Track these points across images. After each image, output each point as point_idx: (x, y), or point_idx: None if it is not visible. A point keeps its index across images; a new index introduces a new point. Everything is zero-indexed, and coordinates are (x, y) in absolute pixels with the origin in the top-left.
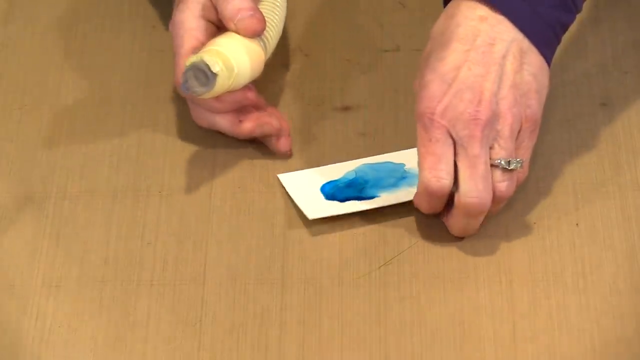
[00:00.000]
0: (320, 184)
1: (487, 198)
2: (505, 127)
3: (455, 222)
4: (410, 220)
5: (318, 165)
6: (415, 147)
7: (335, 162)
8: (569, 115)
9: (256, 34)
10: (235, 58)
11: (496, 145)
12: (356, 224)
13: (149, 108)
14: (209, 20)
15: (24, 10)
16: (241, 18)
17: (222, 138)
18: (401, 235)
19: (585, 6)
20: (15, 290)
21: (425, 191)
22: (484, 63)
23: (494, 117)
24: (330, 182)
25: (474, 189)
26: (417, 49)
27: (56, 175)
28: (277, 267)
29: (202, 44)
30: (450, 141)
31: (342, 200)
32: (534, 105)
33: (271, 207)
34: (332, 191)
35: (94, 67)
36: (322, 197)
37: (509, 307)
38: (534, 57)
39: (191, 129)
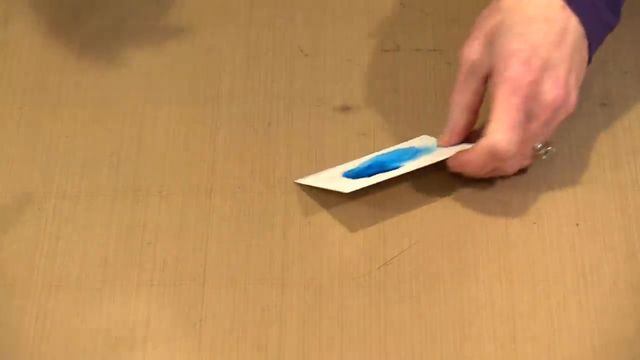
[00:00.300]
0: (341, 174)
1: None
2: (562, 115)
3: (477, 159)
4: (410, 220)
5: (318, 166)
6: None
7: (335, 162)
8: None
9: None
10: None
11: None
12: (356, 224)
13: (149, 108)
14: None
15: (24, 10)
16: None
17: (222, 138)
18: (401, 235)
19: None
20: (15, 290)
21: (488, 151)
22: (562, 50)
23: (563, 105)
24: (351, 170)
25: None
26: (417, 49)
27: (56, 175)
28: (277, 267)
29: None
30: (525, 112)
31: (369, 176)
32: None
33: (271, 207)
34: (356, 174)
35: (94, 67)
36: (348, 179)
37: (509, 307)
38: (586, 55)
39: (191, 129)
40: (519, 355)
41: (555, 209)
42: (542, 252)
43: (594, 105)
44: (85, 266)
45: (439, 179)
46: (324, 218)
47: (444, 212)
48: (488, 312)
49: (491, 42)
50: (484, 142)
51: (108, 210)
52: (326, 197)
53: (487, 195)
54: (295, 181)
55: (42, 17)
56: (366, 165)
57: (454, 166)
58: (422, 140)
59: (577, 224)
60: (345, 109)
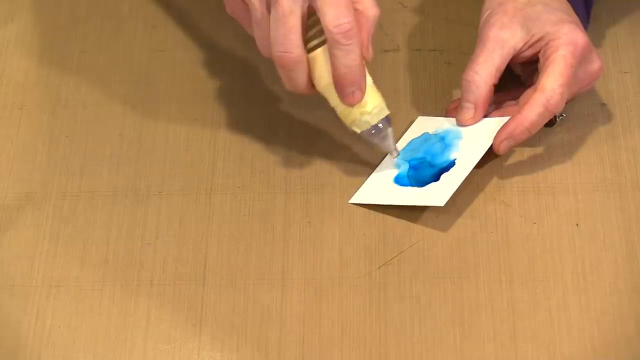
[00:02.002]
0: (391, 181)
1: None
2: (591, 86)
3: (532, 115)
4: (410, 220)
5: (318, 166)
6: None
7: (336, 163)
8: (569, 115)
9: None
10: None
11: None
12: (356, 224)
13: (149, 108)
14: None
15: (24, 10)
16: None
17: (222, 138)
18: (401, 235)
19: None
20: (15, 290)
21: (545, 104)
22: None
23: (599, 76)
24: (398, 174)
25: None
26: (417, 49)
27: (56, 175)
28: (277, 267)
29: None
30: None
31: (435, 178)
32: None
33: (271, 207)
34: (409, 178)
35: (94, 67)
36: (417, 188)
37: (509, 307)
38: None
39: (191, 129)
40: (519, 355)
41: (555, 209)
42: (542, 252)
43: (594, 105)
44: (85, 266)
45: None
46: (324, 218)
47: (444, 212)
48: (488, 312)
49: (527, 18)
50: (540, 97)
51: (108, 210)
52: (326, 197)
53: (487, 195)
54: (350, 202)
55: (42, 17)
56: (413, 165)
57: (505, 138)
58: (423, 124)
59: (577, 224)
60: None
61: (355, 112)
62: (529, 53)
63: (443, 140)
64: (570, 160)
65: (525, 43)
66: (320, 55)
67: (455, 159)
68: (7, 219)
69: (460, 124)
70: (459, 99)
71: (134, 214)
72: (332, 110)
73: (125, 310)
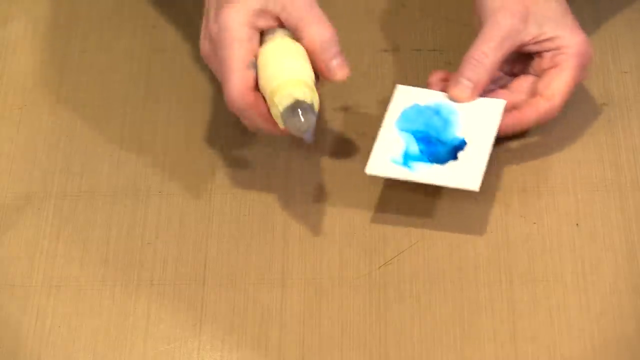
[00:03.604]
0: (401, 153)
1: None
2: None
3: (536, 119)
4: (410, 220)
5: (318, 166)
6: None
7: (336, 163)
8: (569, 115)
9: (340, 80)
10: (312, 82)
11: None
12: (356, 224)
13: (149, 108)
14: (256, 28)
15: (24, 10)
16: (337, 64)
17: (222, 138)
18: (401, 235)
19: (585, 6)
20: (15, 290)
21: (548, 112)
22: None
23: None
24: (406, 153)
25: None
26: (417, 49)
27: (56, 175)
28: (277, 267)
29: (253, 56)
30: None
31: (452, 155)
32: None
33: (271, 207)
34: (429, 152)
35: (94, 67)
36: (439, 165)
37: (509, 307)
38: None
39: (191, 129)
40: (519, 355)
41: (555, 209)
42: (542, 252)
43: (594, 105)
44: (85, 266)
45: None
46: (324, 218)
47: (444, 212)
48: (488, 312)
49: (540, 14)
50: (545, 105)
51: (108, 210)
52: (326, 197)
53: (487, 195)
54: (367, 172)
55: (42, 17)
56: (419, 137)
57: (509, 126)
58: (407, 94)
59: (577, 224)
60: (345, 108)
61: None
62: (532, 48)
63: (439, 114)
64: (570, 160)
65: (533, 38)
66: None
67: (464, 138)
68: (7, 219)
69: (453, 98)
70: (444, 71)
71: (134, 214)
72: (333, 111)
73: (125, 310)
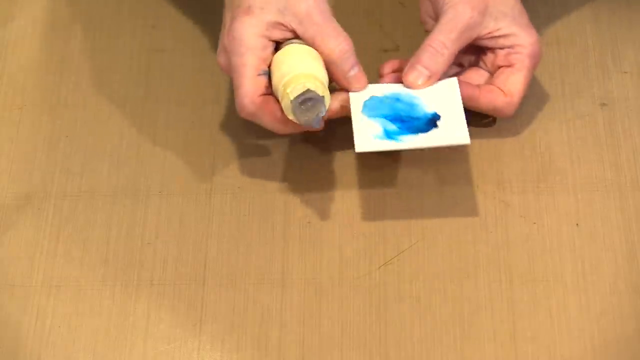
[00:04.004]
0: (381, 134)
1: None
2: None
3: (486, 108)
4: (410, 220)
5: (318, 166)
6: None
7: (336, 163)
8: (569, 115)
9: (357, 91)
10: (326, 82)
11: None
12: (356, 224)
13: (149, 108)
14: (270, 39)
15: (24, 10)
16: (354, 75)
17: (222, 138)
18: (401, 235)
19: (585, 6)
20: (15, 290)
21: (501, 108)
22: None
23: None
24: (386, 130)
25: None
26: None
27: (56, 175)
28: (277, 267)
29: (266, 65)
30: None
31: (431, 125)
32: None
33: (271, 207)
34: (409, 127)
35: (94, 67)
36: (414, 134)
37: (509, 307)
38: None
39: (191, 129)
40: (519, 355)
41: (555, 209)
42: (542, 252)
43: (594, 105)
44: (85, 266)
45: (438, 179)
46: (324, 218)
47: (444, 212)
48: (488, 312)
49: (499, 9)
50: (504, 99)
51: (108, 210)
52: (326, 197)
53: (487, 195)
54: (357, 151)
55: (42, 17)
56: (392, 118)
57: (465, 98)
58: (360, 94)
59: (577, 224)
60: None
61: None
62: (487, 43)
63: (400, 100)
64: (570, 161)
65: (490, 32)
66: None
67: (436, 112)
68: (7, 219)
69: (407, 85)
70: (396, 60)
71: (134, 214)
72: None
73: (125, 310)
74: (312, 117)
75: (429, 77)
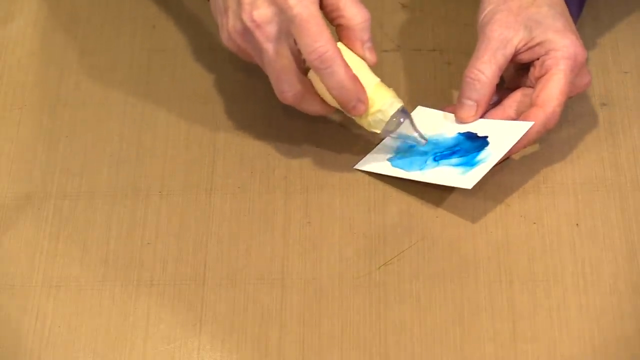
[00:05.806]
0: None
1: None
2: None
3: (539, 130)
4: (411, 220)
5: (318, 166)
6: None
7: (336, 163)
8: (569, 115)
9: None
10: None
11: None
12: (356, 224)
13: (149, 108)
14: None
15: (24, 10)
16: (369, 48)
17: (222, 138)
18: (401, 235)
19: (586, 7)
20: (15, 290)
21: (548, 121)
22: None
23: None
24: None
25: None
26: (417, 49)
27: (56, 175)
28: (277, 267)
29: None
30: None
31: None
32: None
33: (271, 207)
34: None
35: (94, 67)
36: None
37: (509, 307)
38: None
39: (191, 129)
40: (519, 355)
41: (555, 209)
42: (542, 252)
43: (594, 105)
44: (85, 266)
45: None
46: (324, 218)
47: (443, 212)
48: (488, 312)
49: (531, 19)
50: (540, 114)
51: (108, 210)
52: (326, 197)
53: (487, 195)
54: (356, 167)
55: (42, 17)
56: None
57: (520, 147)
58: (422, 114)
59: (577, 224)
60: None
61: (367, 115)
62: (525, 56)
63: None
64: (570, 161)
65: (525, 44)
66: (313, 76)
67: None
68: (7, 219)
69: (460, 121)
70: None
71: (134, 214)
72: (335, 110)
73: (125, 310)
74: (407, 132)
75: (477, 107)
